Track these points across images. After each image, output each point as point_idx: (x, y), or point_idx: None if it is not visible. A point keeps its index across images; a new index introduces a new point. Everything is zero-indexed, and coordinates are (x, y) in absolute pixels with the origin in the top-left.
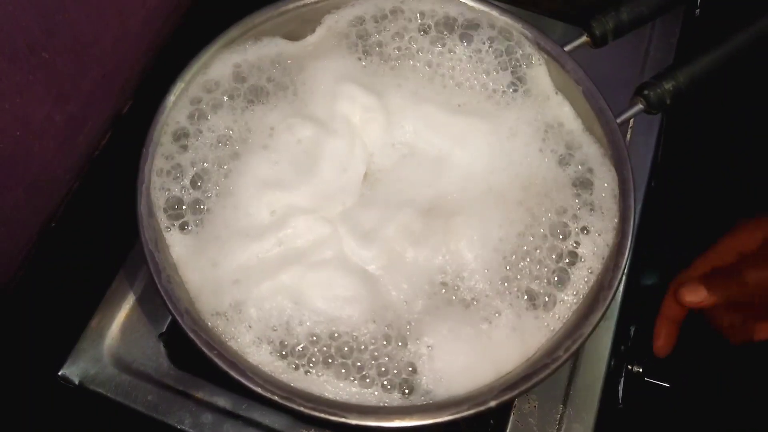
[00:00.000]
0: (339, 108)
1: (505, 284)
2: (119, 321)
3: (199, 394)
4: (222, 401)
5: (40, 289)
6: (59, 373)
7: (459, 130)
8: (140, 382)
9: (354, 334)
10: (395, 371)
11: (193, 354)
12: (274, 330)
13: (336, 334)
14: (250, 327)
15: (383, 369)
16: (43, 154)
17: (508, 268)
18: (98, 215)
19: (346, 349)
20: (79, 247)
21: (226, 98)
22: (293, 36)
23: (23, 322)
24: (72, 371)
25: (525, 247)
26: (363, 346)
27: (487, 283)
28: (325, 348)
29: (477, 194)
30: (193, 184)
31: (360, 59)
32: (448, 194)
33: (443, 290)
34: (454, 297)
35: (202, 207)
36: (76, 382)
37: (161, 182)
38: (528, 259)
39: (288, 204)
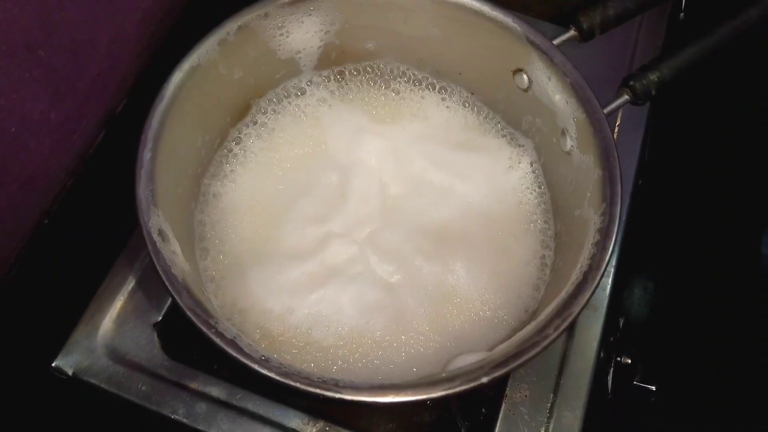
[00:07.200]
0: (357, 154)
1: (497, 302)
2: (113, 313)
3: (193, 385)
4: (216, 391)
5: (35, 282)
6: (53, 365)
7: (459, 166)
8: (134, 372)
9: (376, 334)
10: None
11: (187, 344)
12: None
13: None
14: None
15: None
16: (39, 152)
17: (501, 285)
18: (92, 212)
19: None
20: (74, 243)
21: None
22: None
23: (18, 314)
24: (65, 362)
25: (515, 269)
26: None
27: (481, 301)
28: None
29: (475, 221)
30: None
31: (363, 112)
32: (453, 221)
33: (448, 301)
34: (457, 310)
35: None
36: (70, 373)
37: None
38: (519, 279)
39: (325, 232)
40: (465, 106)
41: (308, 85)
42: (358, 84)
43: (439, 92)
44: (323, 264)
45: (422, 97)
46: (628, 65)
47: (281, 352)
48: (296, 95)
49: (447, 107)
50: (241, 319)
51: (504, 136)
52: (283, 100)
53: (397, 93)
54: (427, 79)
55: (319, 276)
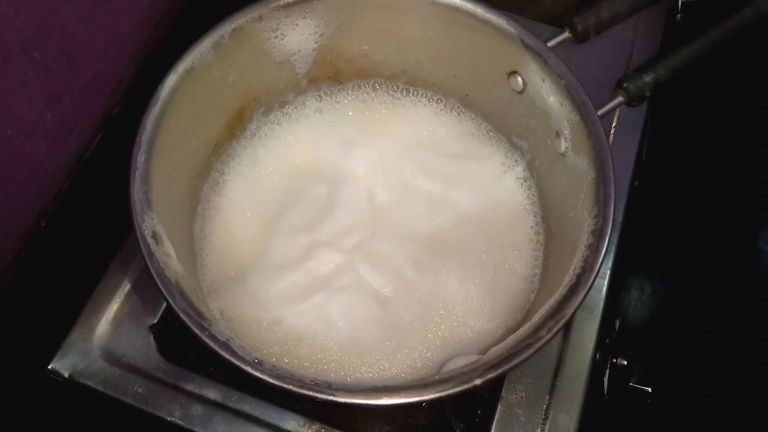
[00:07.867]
0: (346, 166)
1: (493, 311)
2: (109, 315)
3: (189, 387)
4: (212, 393)
5: (31, 284)
6: (49, 367)
7: (453, 173)
8: (130, 375)
9: (367, 347)
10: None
11: (183, 346)
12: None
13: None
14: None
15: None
16: (35, 153)
17: (496, 293)
18: (89, 214)
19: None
20: (70, 244)
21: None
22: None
23: (14, 317)
24: (62, 365)
25: (510, 275)
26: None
27: (475, 312)
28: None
29: (469, 228)
30: None
31: (354, 122)
32: (446, 229)
33: (442, 313)
34: (451, 321)
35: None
36: (66, 376)
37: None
38: (514, 285)
39: (311, 241)
40: (458, 114)
41: (301, 95)
42: (351, 93)
43: (431, 100)
44: (309, 274)
45: (414, 105)
46: (626, 66)
47: None
48: (289, 104)
49: (440, 115)
50: (230, 329)
51: (497, 140)
52: (276, 109)
53: (390, 101)
54: (420, 86)
55: (306, 286)
